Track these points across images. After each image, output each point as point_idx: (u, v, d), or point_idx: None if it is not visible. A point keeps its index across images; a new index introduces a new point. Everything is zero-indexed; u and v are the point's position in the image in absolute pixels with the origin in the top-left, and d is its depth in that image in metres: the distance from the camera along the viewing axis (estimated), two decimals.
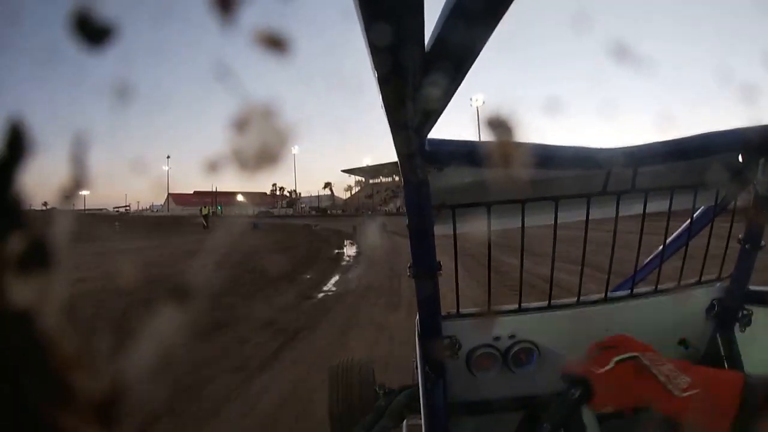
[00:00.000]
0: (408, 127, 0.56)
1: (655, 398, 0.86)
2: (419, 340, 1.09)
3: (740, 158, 1.06)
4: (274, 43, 0.36)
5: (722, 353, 1.22)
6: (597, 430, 0.92)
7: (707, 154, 1.03)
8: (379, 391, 1.59)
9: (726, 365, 1.21)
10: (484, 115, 0.37)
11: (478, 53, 0.37)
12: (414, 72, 0.38)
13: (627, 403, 0.91)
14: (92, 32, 0.36)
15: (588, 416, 0.93)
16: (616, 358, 0.93)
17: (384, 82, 0.39)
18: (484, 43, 0.37)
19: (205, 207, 23.03)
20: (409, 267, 0.97)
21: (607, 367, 0.91)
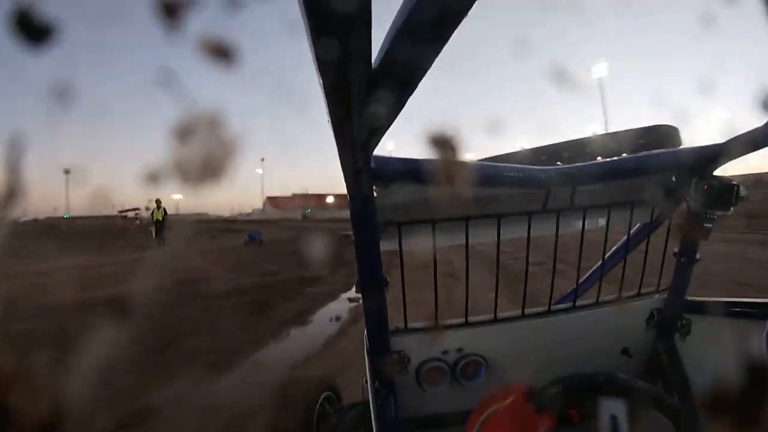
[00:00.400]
0: (354, 144, 0.56)
1: None
2: (368, 355, 1.08)
3: (673, 178, 1.13)
4: (221, 52, 0.35)
5: (664, 361, 1.27)
6: None
7: (642, 174, 1.09)
8: (329, 409, 1.56)
9: (668, 372, 1.26)
10: (428, 133, 0.38)
11: (425, 71, 0.38)
12: (360, 88, 0.38)
13: None
14: (34, 30, 0.34)
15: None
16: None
17: (331, 98, 0.39)
18: (432, 62, 0.38)
19: (158, 209, 13.64)
20: (357, 282, 0.97)
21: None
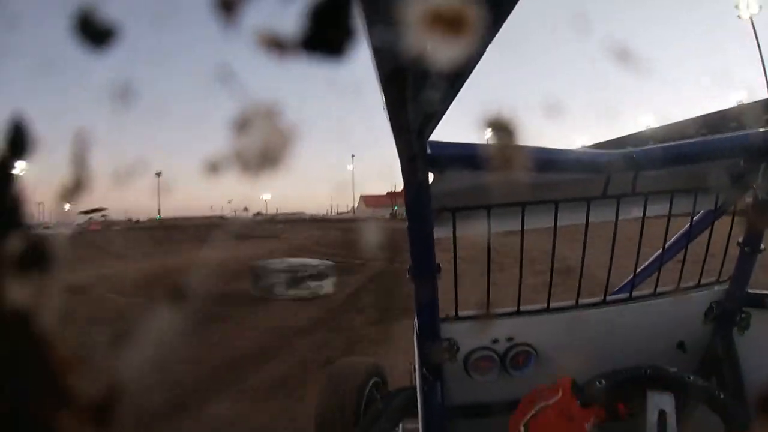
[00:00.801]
0: (409, 130, 0.56)
1: None
2: (417, 342, 1.09)
3: (742, 163, 1.07)
4: (277, 45, 0.36)
5: (720, 356, 1.22)
6: None
7: (708, 158, 1.03)
8: (376, 394, 1.59)
9: (724, 368, 1.21)
10: (487, 117, 0.37)
11: (481, 56, 0.38)
12: (415, 74, 0.38)
13: None
14: (95, 33, 0.36)
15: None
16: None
17: (386, 85, 0.39)
18: (487, 46, 0.37)
19: None
20: (408, 269, 0.97)
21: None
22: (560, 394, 0.94)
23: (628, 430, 0.92)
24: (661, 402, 0.94)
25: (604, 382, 0.99)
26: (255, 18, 0.35)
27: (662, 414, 0.93)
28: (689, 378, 0.98)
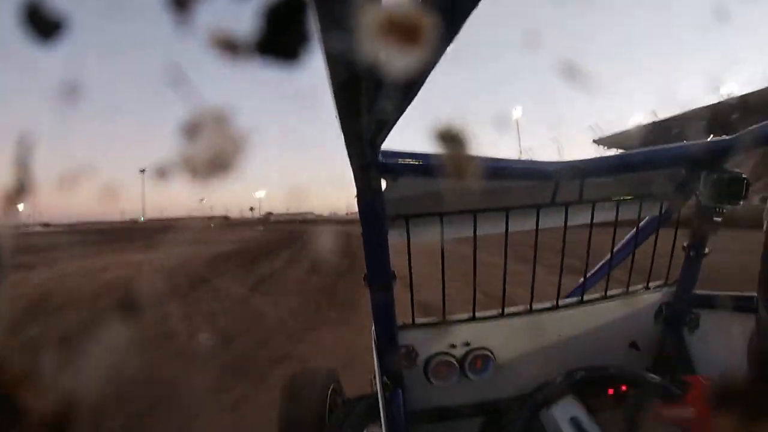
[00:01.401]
0: (362, 138, 0.56)
1: None
2: (376, 349, 1.09)
3: (683, 171, 1.13)
4: (230, 47, 0.36)
5: (672, 354, 1.28)
6: None
7: (652, 168, 1.09)
8: (338, 400, 1.57)
9: (677, 365, 1.26)
10: (434, 128, 0.38)
11: (435, 64, 0.38)
12: (368, 83, 0.38)
13: None
14: (44, 24, 0.34)
15: (548, 419, 0.96)
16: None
17: (338, 91, 0.39)
18: (441, 55, 0.38)
19: None
20: (364, 276, 0.97)
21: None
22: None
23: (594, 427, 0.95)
24: (571, 410, 0.98)
25: (563, 380, 1.02)
26: (209, 17, 0.34)
27: (575, 420, 0.96)
28: (649, 376, 1.02)
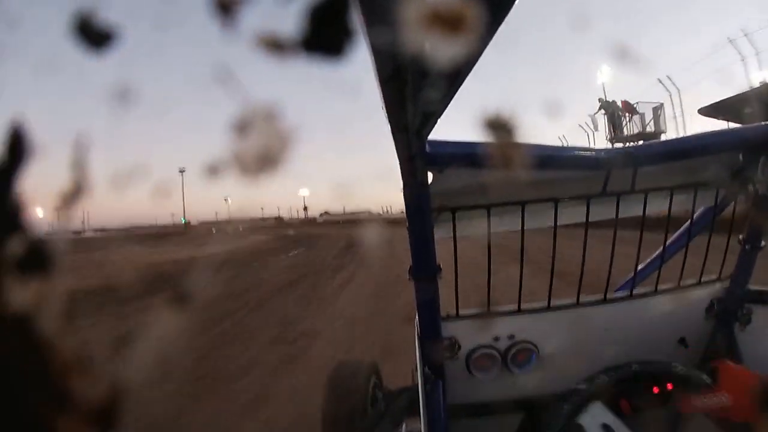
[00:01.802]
0: (408, 129, 0.56)
1: None
2: (419, 341, 1.09)
3: (740, 157, 1.07)
4: (276, 46, 0.36)
5: (722, 351, 1.22)
6: None
7: (707, 153, 1.03)
8: (378, 394, 1.59)
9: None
10: (481, 116, 0.37)
11: (480, 54, 0.38)
12: (414, 73, 0.38)
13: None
14: (94, 35, 0.36)
15: (588, 419, 0.93)
16: None
17: (384, 84, 0.39)
18: (487, 44, 0.37)
19: None
20: (410, 269, 0.97)
21: None
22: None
23: (635, 427, 0.92)
24: (602, 416, 0.94)
25: (607, 377, 0.99)
26: (253, 19, 0.35)
27: (607, 427, 0.93)
28: (695, 374, 0.98)
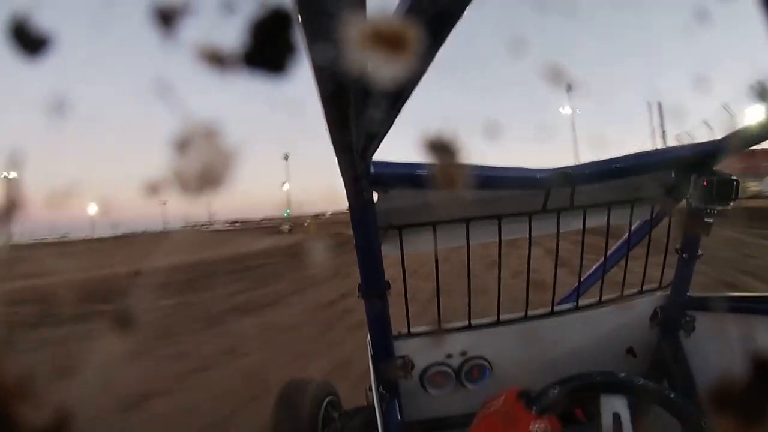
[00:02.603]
0: (352, 150, 0.55)
1: None
2: (372, 360, 1.08)
3: (673, 174, 1.13)
4: (218, 60, 0.35)
5: (669, 359, 1.27)
6: None
7: (642, 172, 1.09)
8: (333, 414, 1.55)
9: (673, 370, 1.25)
10: (424, 137, 0.38)
11: (423, 74, 0.38)
12: (356, 93, 0.38)
13: None
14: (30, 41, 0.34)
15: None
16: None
17: (327, 103, 0.39)
18: (428, 66, 0.38)
19: None
20: (358, 286, 0.97)
21: None
22: (503, 400, 0.96)
23: None
24: (615, 405, 0.97)
25: (557, 389, 1.01)
26: (195, 32, 0.34)
27: (617, 416, 0.96)
28: (641, 381, 1.02)
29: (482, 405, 1.00)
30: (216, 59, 0.35)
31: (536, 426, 0.90)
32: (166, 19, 0.34)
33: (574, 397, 1.00)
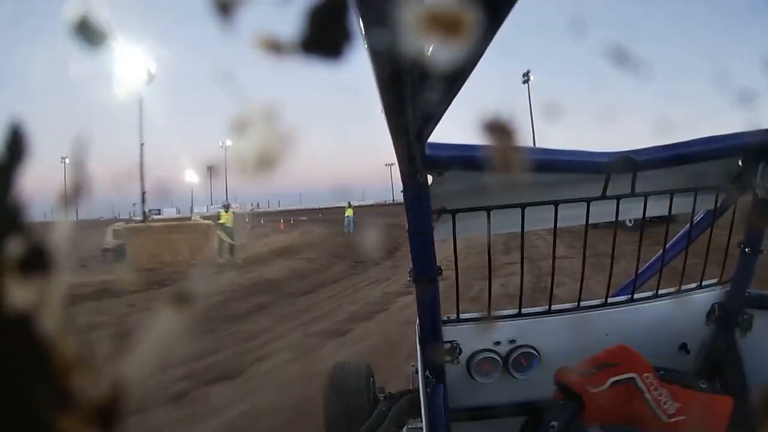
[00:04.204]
0: (408, 132, 0.56)
1: (644, 422, 0.91)
2: (420, 344, 1.09)
3: (740, 162, 1.07)
4: (275, 48, 0.36)
5: (723, 357, 1.22)
6: None
7: (707, 158, 1.03)
8: (379, 396, 1.59)
9: (727, 369, 1.20)
10: (481, 119, 0.37)
11: (480, 57, 0.38)
12: (413, 76, 0.38)
13: (616, 422, 0.94)
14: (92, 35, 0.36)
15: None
16: (612, 380, 0.95)
17: (384, 87, 0.39)
18: (486, 48, 0.37)
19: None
20: (410, 271, 0.97)
21: (601, 388, 0.94)
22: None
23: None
24: None
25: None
26: (253, 20, 0.35)
27: None
28: (694, 380, 0.98)
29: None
30: (274, 47, 0.35)
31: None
32: (225, 8, 0.35)
33: None
